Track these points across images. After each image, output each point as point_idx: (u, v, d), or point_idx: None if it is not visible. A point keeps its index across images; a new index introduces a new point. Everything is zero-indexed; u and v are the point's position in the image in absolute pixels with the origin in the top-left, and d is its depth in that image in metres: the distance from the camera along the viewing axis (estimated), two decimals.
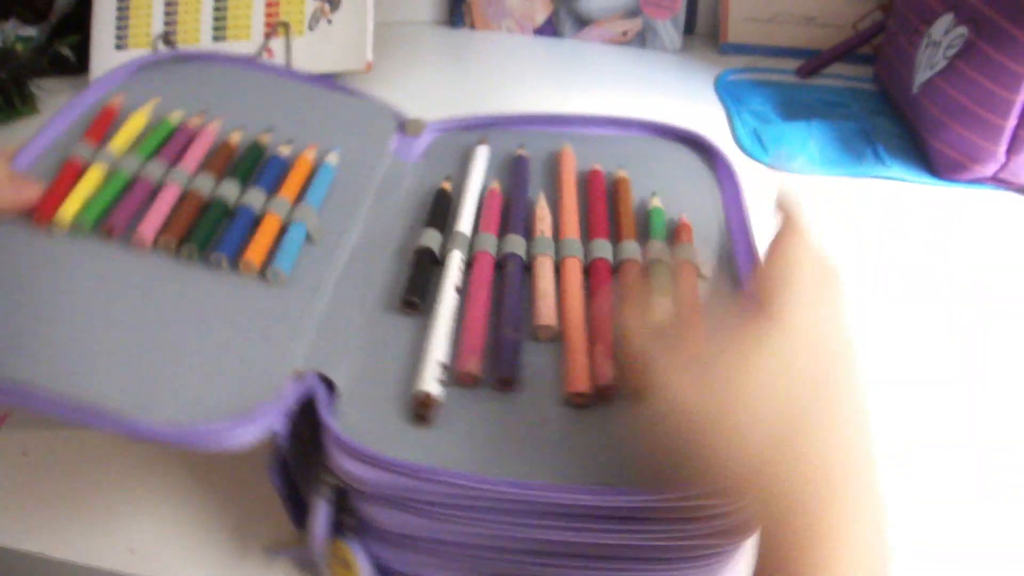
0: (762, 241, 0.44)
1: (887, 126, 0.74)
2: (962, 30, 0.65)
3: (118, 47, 0.80)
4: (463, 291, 0.44)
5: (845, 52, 0.84)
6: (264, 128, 0.53)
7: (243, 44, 0.79)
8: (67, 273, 0.42)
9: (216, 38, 0.79)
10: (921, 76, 0.70)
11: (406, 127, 0.56)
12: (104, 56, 0.80)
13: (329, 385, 0.38)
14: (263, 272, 0.44)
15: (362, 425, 0.36)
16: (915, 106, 0.71)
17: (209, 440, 0.35)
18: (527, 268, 0.46)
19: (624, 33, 0.90)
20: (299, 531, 0.39)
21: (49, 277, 0.42)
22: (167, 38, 0.79)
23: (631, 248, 0.46)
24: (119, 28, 0.80)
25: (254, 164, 0.51)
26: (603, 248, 0.46)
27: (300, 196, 0.49)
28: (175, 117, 0.53)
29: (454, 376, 0.39)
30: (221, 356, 0.39)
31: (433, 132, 0.57)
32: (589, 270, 0.45)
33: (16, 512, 0.42)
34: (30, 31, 0.86)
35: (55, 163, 0.48)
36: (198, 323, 0.41)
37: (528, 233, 0.48)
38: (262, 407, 0.36)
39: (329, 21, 0.79)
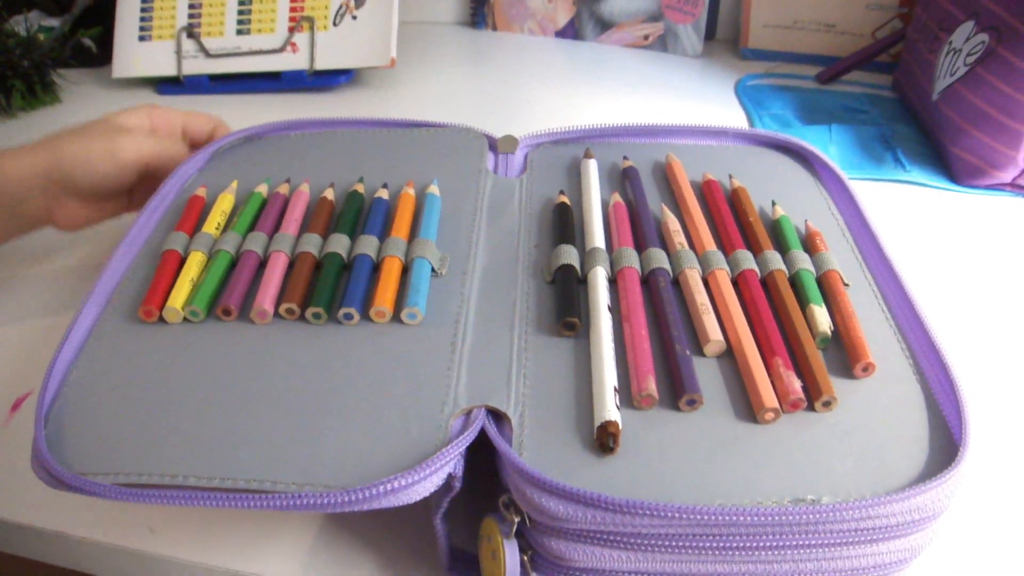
0: (907, 270, 0.44)
1: (907, 132, 0.74)
2: (983, 37, 0.66)
3: (141, 39, 0.81)
4: (615, 309, 0.43)
5: (865, 59, 0.84)
6: (355, 179, 0.53)
7: (267, 38, 0.79)
8: (189, 361, 0.40)
9: (240, 32, 0.80)
10: (941, 83, 0.70)
11: (499, 145, 0.55)
12: (127, 48, 0.81)
13: (497, 417, 0.37)
14: (398, 316, 0.42)
15: (545, 457, 0.35)
16: (935, 113, 0.71)
17: (392, 497, 0.33)
18: (674, 283, 0.44)
19: (646, 37, 0.91)
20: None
21: (171, 367, 0.40)
22: (191, 31, 0.80)
23: (776, 259, 0.45)
24: (143, 20, 0.81)
25: (357, 214, 0.49)
26: (748, 259, 0.45)
27: (413, 233, 0.47)
28: (262, 189, 0.52)
29: (633, 400, 0.38)
30: (378, 409, 0.37)
31: (526, 147, 0.56)
32: (737, 282, 0.44)
33: (36, 491, 0.42)
34: (53, 22, 0.87)
35: (152, 262, 0.47)
36: (345, 382, 0.39)
37: (663, 246, 0.46)
38: (441, 454, 0.34)
39: (354, 17, 0.79)
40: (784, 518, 0.31)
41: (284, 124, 0.58)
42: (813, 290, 0.43)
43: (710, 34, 0.93)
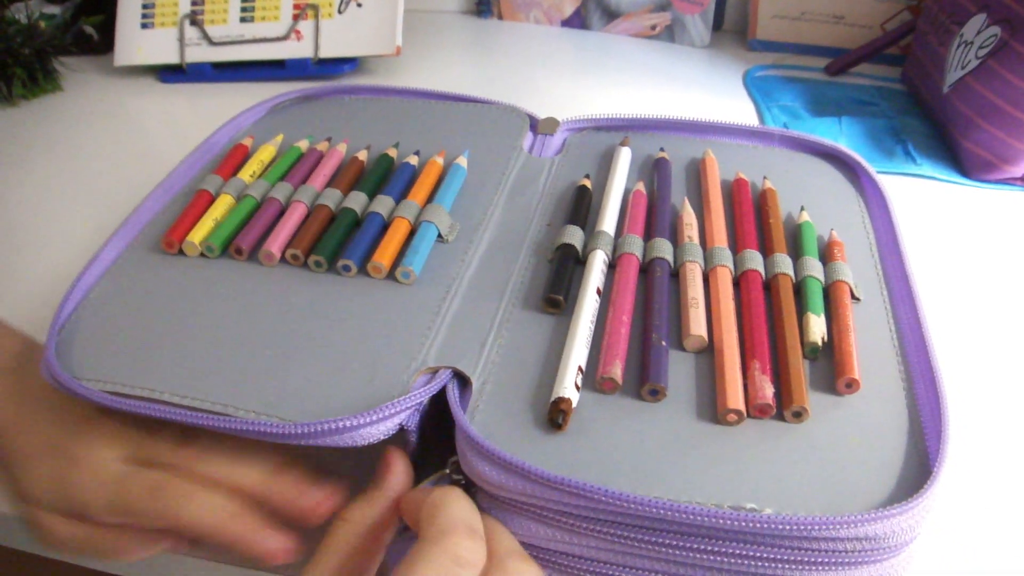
0: (916, 264, 0.43)
1: (916, 125, 0.74)
2: (995, 30, 0.65)
3: (144, 26, 0.80)
4: (605, 293, 0.43)
5: (874, 51, 0.84)
6: (391, 145, 0.54)
7: (271, 26, 0.79)
8: (195, 291, 0.43)
9: (244, 19, 0.79)
10: (952, 76, 0.69)
11: (539, 126, 0.56)
12: (129, 35, 0.80)
13: (463, 382, 0.38)
14: (393, 274, 0.44)
15: (495, 425, 0.35)
16: (945, 106, 0.70)
17: (338, 437, 0.34)
18: (673, 274, 0.44)
19: (653, 27, 0.90)
20: None
21: (178, 295, 0.43)
22: (194, 18, 0.79)
23: (784, 262, 0.44)
24: (145, 7, 0.80)
25: (383, 176, 0.51)
26: (755, 259, 0.44)
27: (430, 199, 0.49)
28: (303, 144, 0.54)
29: (594, 382, 0.38)
30: (350, 355, 0.39)
31: (567, 131, 0.56)
32: (739, 281, 0.44)
33: None
34: (54, 9, 0.86)
35: (186, 200, 0.50)
36: (326, 328, 0.41)
37: (674, 238, 0.46)
38: (393, 403, 0.35)
39: (359, 4, 0.78)
40: (715, 520, 0.31)
41: (342, 87, 0.62)
42: (815, 298, 0.42)
43: (718, 24, 0.92)
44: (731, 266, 0.44)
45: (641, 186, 0.50)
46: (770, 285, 0.43)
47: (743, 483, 0.33)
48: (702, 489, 0.33)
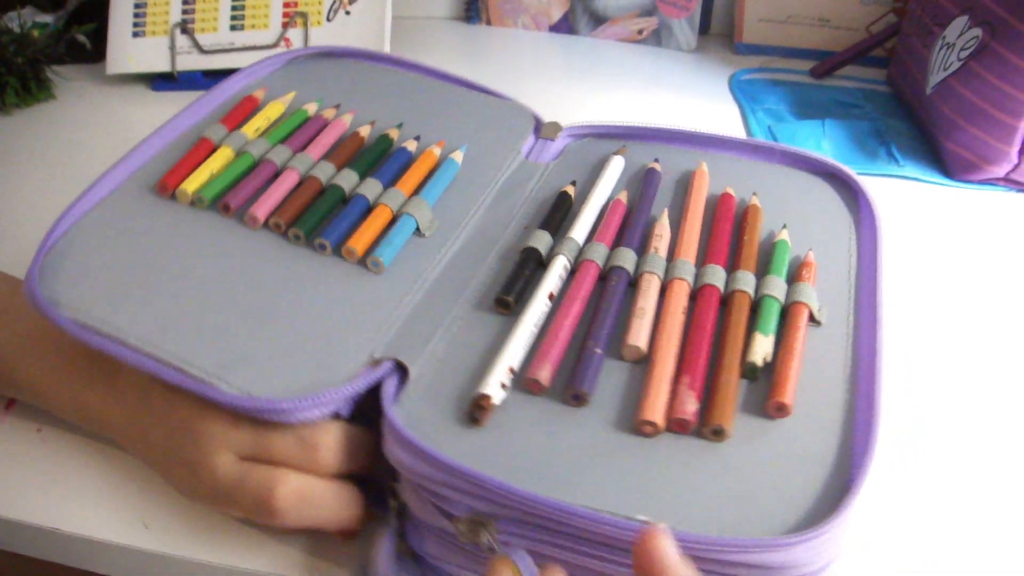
0: (889, 294, 0.43)
1: (900, 127, 0.75)
2: (976, 32, 0.66)
3: (135, 35, 0.81)
4: (559, 298, 0.43)
5: (859, 54, 0.84)
6: (395, 123, 0.54)
7: (261, 34, 0.79)
8: (178, 240, 0.45)
9: (234, 27, 0.80)
10: (935, 77, 0.70)
11: (543, 129, 0.56)
12: (121, 44, 0.81)
13: (405, 373, 0.39)
14: (364, 261, 0.44)
15: (420, 415, 0.37)
16: (929, 107, 0.71)
17: (276, 415, 0.36)
18: (632, 284, 0.44)
19: (640, 31, 0.90)
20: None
21: (161, 241, 0.45)
22: (185, 26, 0.80)
23: (745, 279, 0.43)
24: (137, 16, 0.81)
25: (379, 157, 0.52)
26: (715, 274, 0.44)
27: (418, 190, 0.49)
28: (311, 108, 0.54)
29: (522, 382, 0.38)
30: (305, 337, 0.40)
31: (568, 137, 0.57)
32: (696, 296, 0.43)
33: (32, 488, 0.42)
34: (46, 18, 0.87)
35: (189, 144, 0.51)
36: (291, 304, 0.42)
37: (642, 248, 0.46)
38: (331, 390, 0.36)
39: (347, 12, 0.79)
40: (598, 526, 0.31)
41: (366, 52, 0.62)
42: (767, 318, 0.41)
43: (704, 29, 0.92)
44: (690, 280, 0.44)
45: (623, 196, 0.50)
46: (727, 301, 0.43)
47: (648, 496, 0.33)
48: (604, 497, 0.33)
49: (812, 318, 0.42)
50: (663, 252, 0.46)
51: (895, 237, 0.60)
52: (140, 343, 0.38)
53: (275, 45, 0.79)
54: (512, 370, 0.39)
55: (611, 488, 0.34)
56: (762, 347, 0.40)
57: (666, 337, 0.40)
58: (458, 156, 0.52)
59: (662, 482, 0.34)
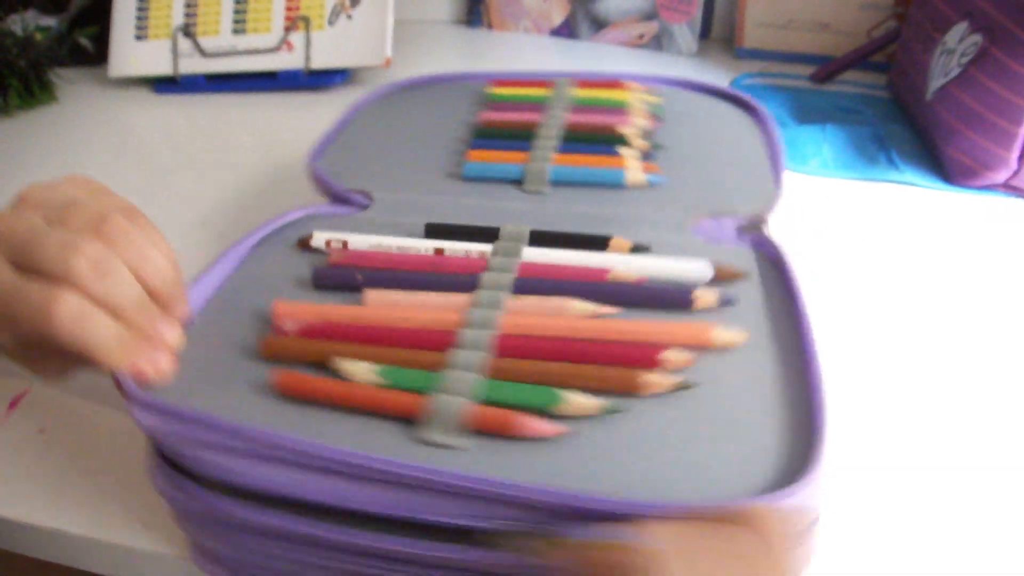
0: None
1: (900, 132, 0.75)
2: (976, 38, 0.66)
3: (138, 38, 0.81)
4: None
5: (859, 59, 0.84)
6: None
7: (263, 38, 0.80)
8: None
9: (236, 31, 0.80)
10: (935, 83, 0.70)
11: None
12: (123, 47, 0.81)
13: None
14: None
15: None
16: (928, 113, 0.71)
17: None
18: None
19: (640, 36, 0.91)
20: None
21: None
22: (187, 30, 0.80)
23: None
24: (139, 19, 0.81)
25: None
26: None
27: None
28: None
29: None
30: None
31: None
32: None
33: (33, 489, 0.42)
34: (49, 21, 0.87)
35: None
36: None
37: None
38: None
39: (349, 16, 0.79)
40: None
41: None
42: None
43: (705, 33, 0.93)
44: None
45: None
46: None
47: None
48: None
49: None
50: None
51: (895, 243, 0.61)
52: None
53: (277, 48, 0.79)
54: None
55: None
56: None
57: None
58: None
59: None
